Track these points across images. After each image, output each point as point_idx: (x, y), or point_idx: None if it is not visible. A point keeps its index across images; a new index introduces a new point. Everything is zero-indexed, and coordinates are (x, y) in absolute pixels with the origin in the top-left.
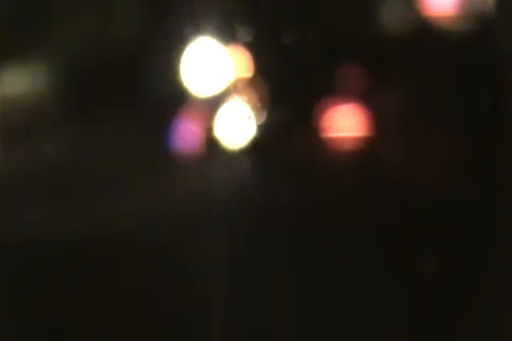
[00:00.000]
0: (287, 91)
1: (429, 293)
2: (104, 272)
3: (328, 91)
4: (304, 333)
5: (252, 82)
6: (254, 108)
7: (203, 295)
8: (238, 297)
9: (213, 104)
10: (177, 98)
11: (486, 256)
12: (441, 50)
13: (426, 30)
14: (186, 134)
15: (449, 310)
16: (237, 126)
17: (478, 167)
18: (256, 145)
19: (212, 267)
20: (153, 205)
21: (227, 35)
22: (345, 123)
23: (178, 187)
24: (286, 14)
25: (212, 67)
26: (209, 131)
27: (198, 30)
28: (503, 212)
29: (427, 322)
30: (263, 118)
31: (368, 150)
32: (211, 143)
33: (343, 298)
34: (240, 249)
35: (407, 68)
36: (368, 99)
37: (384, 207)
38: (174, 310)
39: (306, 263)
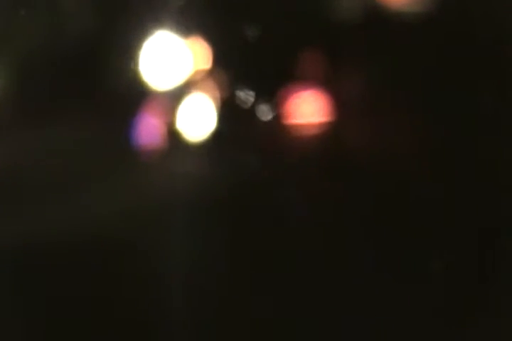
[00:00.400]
0: (247, 80)
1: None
2: (67, 271)
3: (289, 78)
4: (267, 332)
5: (211, 73)
6: (214, 99)
7: (164, 289)
8: (199, 292)
9: (174, 97)
10: (137, 92)
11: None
12: (399, 32)
13: (382, 13)
14: (147, 128)
15: (417, 302)
16: (199, 118)
17: (444, 151)
18: (218, 137)
19: (174, 262)
20: (116, 200)
21: (185, 27)
22: (307, 109)
23: (140, 181)
24: (243, 3)
25: (171, 59)
26: (170, 124)
27: (156, 23)
28: (471, 194)
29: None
30: (224, 109)
31: (332, 135)
32: (173, 136)
33: (308, 292)
34: (202, 243)
35: (366, 52)
36: (329, 84)
37: (351, 192)
38: (136, 306)
39: (270, 256)
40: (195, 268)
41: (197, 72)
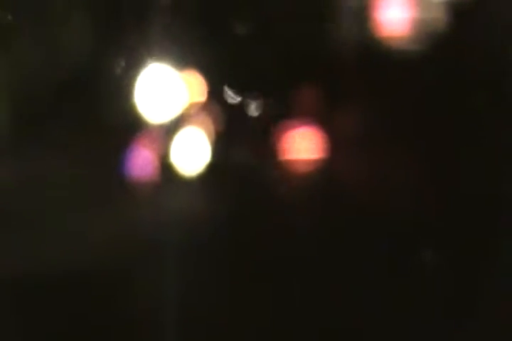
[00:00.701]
0: (242, 115)
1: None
2: (57, 300)
3: (284, 115)
4: None
5: (206, 108)
6: (209, 133)
7: (154, 320)
8: (189, 323)
9: (168, 130)
10: (131, 124)
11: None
12: (394, 70)
13: (380, 51)
14: (141, 161)
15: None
16: (193, 152)
17: (433, 189)
18: (211, 171)
19: (163, 293)
20: (108, 232)
21: (181, 62)
22: (301, 145)
23: (132, 213)
24: (239, 40)
25: (165, 92)
26: (163, 157)
27: (152, 56)
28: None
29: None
30: (218, 143)
31: (325, 171)
32: (166, 169)
33: (290, 315)
34: (192, 276)
35: (362, 89)
36: (324, 121)
37: (342, 225)
38: (128, 335)
39: (258, 290)
40: (187, 301)
41: (191, 105)
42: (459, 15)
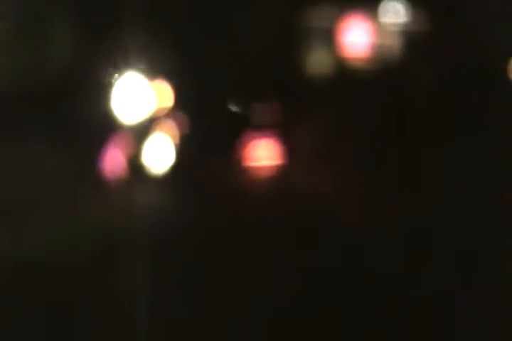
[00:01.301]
0: (208, 121)
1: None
2: (30, 294)
3: (247, 124)
4: None
5: (174, 114)
6: (175, 137)
7: (126, 315)
8: (161, 319)
9: (138, 133)
10: (104, 126)
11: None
12: (354, 88)
13: (342, 70)
14: (113, 161)
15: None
16: (161, 154)
17: (388, 196)
18: (178, 172)
19: (134, 288)
20: (80, 229)
21: (152, 69)
22: (262, 153)
23: (103, 212)
24: (207, 52)
25: (137, 98)
26: (134, 158)
27: (125, 63)
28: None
29: None
30: (184, 146)
31: (284, 177)
32: (136, 169)
33: (257, 316)
34: (161, 272)
35: (323, 106)
36: (284, 131)
37: (299, 230)
38: (100, 330)
39: (224, 283)
40: (155, 296)
41: (160, 110)
42: (413, 42)
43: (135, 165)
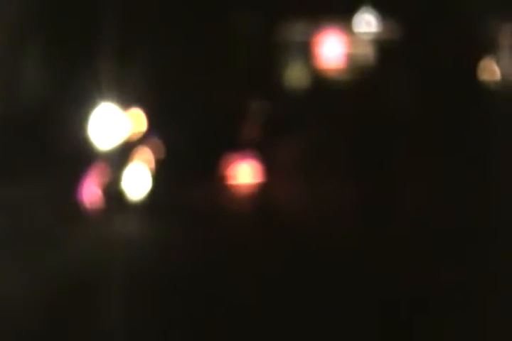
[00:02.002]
0: (183, 149)
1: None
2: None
3: (226, 145)
4: None
5: (149, 140)
6: (153, 163)
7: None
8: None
9: (115, 161)
10: (83, 155)
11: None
12: (331, 99)
13: (319, 82)
14: (90, 191)
15: None
16: (137, 179)
17: (368, 213)
18: (154, 200)
19: (110, 317)
20: (56, 259)
21: (126, 97)
22: (244, 173)
23: (80, 241)
24: (182, 77)
25: (112, 126)
26: (111, 186)
27: (100, 92)
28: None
29: None
30: (160, 173)
31: (265, 196)
32: (113, 198)
33: None
34: (138, 301)
35: (304, 119)
36: (263, 151)
37: (279, 247)
38: None
39: (202, 316)
40: (131, 327)
41: (134, 135)
42: (385, 51)
43: (112, 193)
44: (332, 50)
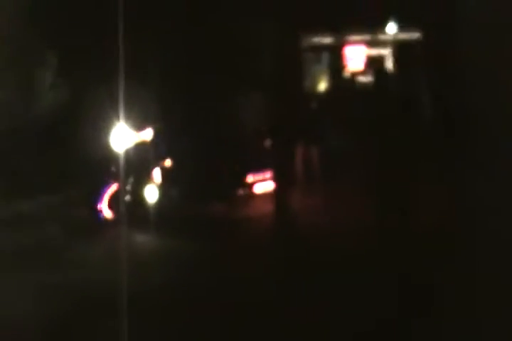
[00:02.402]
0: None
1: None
2: None
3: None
4: None
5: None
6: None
7: None
8: None
9: (132, 173)
10: (103, 162)
11: None
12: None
13: (345, 84)
14: (109, 195)
15: None
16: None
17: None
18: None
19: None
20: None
21: (141, 116)
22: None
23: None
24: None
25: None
26: (128, 197)
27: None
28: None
29: None
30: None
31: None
32: (129, 208)
33: None
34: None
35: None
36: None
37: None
38: None
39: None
40: None
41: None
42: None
43: (130, 205)
44: (356, 54)
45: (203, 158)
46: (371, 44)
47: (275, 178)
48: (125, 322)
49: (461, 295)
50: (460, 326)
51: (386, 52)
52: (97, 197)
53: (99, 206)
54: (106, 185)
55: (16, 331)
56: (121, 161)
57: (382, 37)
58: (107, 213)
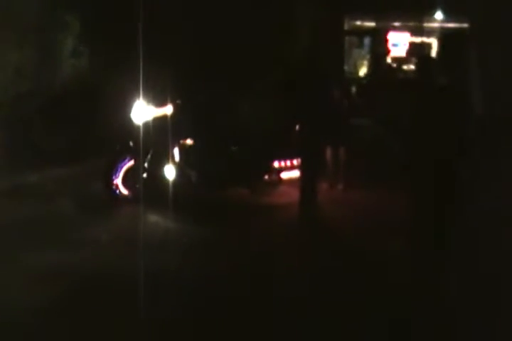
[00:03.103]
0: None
1: None
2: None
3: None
4: None
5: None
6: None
7: None
8: None
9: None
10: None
11: None
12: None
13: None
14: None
15: None
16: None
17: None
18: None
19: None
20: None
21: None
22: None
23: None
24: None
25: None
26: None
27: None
28: None
29: None
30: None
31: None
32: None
33: None
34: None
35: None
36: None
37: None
38: None
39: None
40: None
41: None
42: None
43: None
44: (399, 39)
45: (226, 140)
46: (415, 31)
47: (302, 167)
48: (140, 302)
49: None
50: None
51: (430, 40)
52: (113, 172)
53: (114, 181)
54: (123, 159)
55: (17, 316)
56: (140, 137)
57: (427, 25)
58: (122, 190)
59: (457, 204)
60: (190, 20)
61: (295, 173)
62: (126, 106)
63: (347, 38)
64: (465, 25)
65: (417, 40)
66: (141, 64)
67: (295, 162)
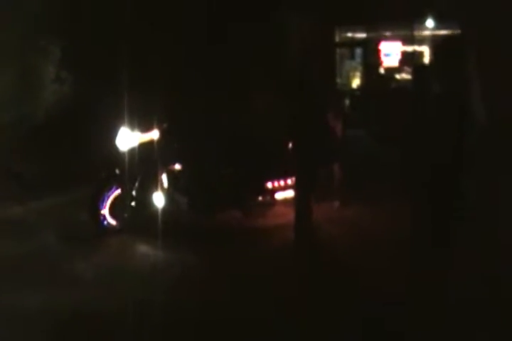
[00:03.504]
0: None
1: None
2: None
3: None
4: None
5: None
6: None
7: None
8: None
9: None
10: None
11: None
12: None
13: (382, 79)
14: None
15: None
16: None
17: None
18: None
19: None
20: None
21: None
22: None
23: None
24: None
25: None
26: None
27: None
28: None
29: None
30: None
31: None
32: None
33: None
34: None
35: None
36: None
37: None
38: None
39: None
40: None
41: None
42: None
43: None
44: (391, 49)
45: (216, 163)
46: (407, 40)
47: (296, 186)
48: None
49: None
50: None
51: (422, 48)
52: (99, 202)
53: (101, 212)
54: (109, 189)
55: None
56: (126, 164)
57: (418, 33)
58: (110, 220)
59: (457, 216)
60: (173, 44)
61: (289, 193)
62: (110, 133)
63: (338, 50)
64: (457, 31)
65: (409, 48)
66: (125, 89)
67: (289, 181)
